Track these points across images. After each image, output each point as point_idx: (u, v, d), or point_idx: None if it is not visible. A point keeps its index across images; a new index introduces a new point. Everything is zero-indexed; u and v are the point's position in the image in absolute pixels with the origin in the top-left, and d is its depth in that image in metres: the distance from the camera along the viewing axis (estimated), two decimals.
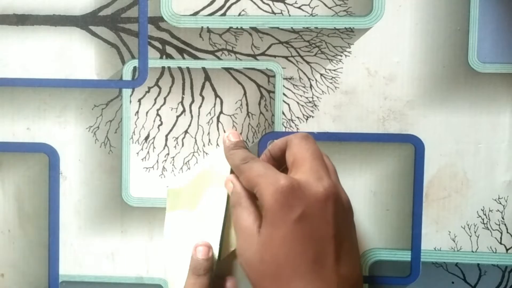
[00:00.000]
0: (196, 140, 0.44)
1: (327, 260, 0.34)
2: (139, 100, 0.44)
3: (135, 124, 0.44)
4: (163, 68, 0.44)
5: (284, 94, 0.43)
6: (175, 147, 0.44)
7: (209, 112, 0.44)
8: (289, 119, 0.44)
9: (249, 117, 0.44)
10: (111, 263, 0.45)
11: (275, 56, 0.43)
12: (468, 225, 0.43)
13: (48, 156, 0.45)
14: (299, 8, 0.43)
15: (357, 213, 0.42)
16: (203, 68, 0.44)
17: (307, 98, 0.43)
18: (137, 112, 0.44)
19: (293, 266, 0.34)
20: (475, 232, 0.43)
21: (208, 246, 0.40)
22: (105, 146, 0.44)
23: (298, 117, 0.44)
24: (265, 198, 0.34)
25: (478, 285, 0.43)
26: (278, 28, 0.43)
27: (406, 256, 0.44)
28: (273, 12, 0.43)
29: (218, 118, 0.44)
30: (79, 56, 0.44)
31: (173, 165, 0.44)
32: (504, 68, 0.42)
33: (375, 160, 0.43)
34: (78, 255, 0.45)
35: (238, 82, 0.44)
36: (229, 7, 0.43)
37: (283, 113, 0.44)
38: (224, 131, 0.44)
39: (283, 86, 0.43)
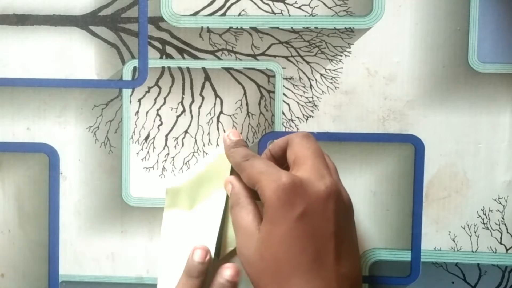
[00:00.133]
0: (196, 140, 0.44)
1: (327, 258, 0.34)
2: (139, 100, 0.44)
3: (135, 124, 0.44)
4: (163, 68, 0.44)
5: (284, 94, 0.44)
6: (175, 147, 0.44)
7: (209, 112, 0.44)
8: (289, 119, 0.44)
9: (249, 117, 0.44)
10: (111, 263, 0.45)
11: (275, 56, 0.43)
12: (468, 225, 0.43)
13: (48, 156, 0.45)
14: (299, 8, 0.43)
15: (357, 213, 0.42)
16: (203, 68, 0.44)
17: (307, 98, 0.43)
18: (137, 112, 0.44)
19: (293, 263, 0.34)
20: (475, 232, 0.43)
21: (206, 250, 0.40)
22: (105, 146, 0.44)
23: (298, 117, 0.44)
24: (266, 195, 0.34)
25: (478, 285, 0.43)
26: (278, 28, 0.43)
27: (406, 256, 0.44)
28: (273, 12, 0.43)
29: (218, 118, 0.44)
30: (79, 56, 0.44)
31: (173, 165, 0.44)
32: (504, 68, 0.42)
33: (375, 160, 0.43)
34: (78, 255, 0.45)
35: (238, 82, 0.44)
36: (229, 7, 0.43)
37: (283, 113, 0.44)
38: (224, 131, 0.44)
39: (283, 86, 0.43)
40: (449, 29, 0.42)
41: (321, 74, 0.43)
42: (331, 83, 0.43)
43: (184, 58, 0.44)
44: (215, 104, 0.44)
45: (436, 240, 0.43)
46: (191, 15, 0.43)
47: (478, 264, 0.43)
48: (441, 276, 0.44)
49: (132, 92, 0.44)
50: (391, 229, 0.43)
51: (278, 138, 0.40)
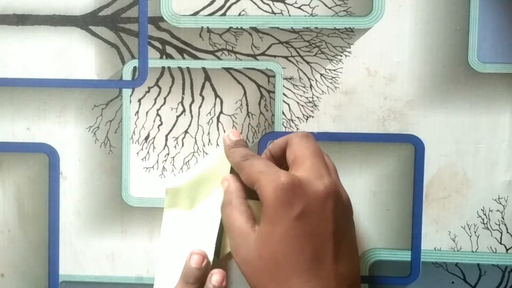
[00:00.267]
0: (196, 140, 0.44)
1: (326, 258, 0.34)
2: (139, 100, 0.44)
3: (135, 124, 0.44)
4: (163, 68, 0.44)
5: (284, 94, 0.44)
6: (175, 147, 0.44)
7: (209, 112, 0.44)
8: (289, 119, 0.44)
9: (249, 117, 0.44)
10: (111, 263, 0.45)
11: (275, 56, 0.43)
12: (468, 225, 0.43)
13: (48, 156, 0.45)
14: (299, 8, 0.43)
15: (357, 213, 0.42)
16: (203, 68, 0.44)
17: (307, 98, 0.43)
18: (137, 112, 0.44)
19: (292, 263, 0.34)
20: (475, 232, 0.43)
21: (203, 255, 0.40)
22: (105, 146, 0.44)
23: (298, 117, 0.44)
24: (265, 195, 0.34)
25: (478, 285, 0.43)
26: (278, 28, 0.43)
27: (406, 256, 0.44)
28: (273, 12, 0.43)
29: (218, 118, 0.44)
30: (79, 56, 0.44)
31: (173, 165, 0.44)
32: (504, 68, 0.42)
33: (375, 160, 0.43)
34: (78, 255, 0.45)
35: (238, 82, 0.44)
36: (229, 7, 0.43)
37: (283, 113, 0.44)
38: (224, 131, 0.44)
39: (283, 86, 0.43)
40: (449, 29, 0.42)
41: (321, 74, 0.43)
42: (331, 83, 0.43)
43: (184, 58, 0.44)
44: (215, 104, 0.44)
45: (436, 240, 0.43)
46: (191, 15, 0.43)
47: (478, 264, 0.43)
48: (441, 276, 0.44)
49: (132, 92, 0.44)
50: (391, 229, 0.43)
51: (278, 138, 0.40)
